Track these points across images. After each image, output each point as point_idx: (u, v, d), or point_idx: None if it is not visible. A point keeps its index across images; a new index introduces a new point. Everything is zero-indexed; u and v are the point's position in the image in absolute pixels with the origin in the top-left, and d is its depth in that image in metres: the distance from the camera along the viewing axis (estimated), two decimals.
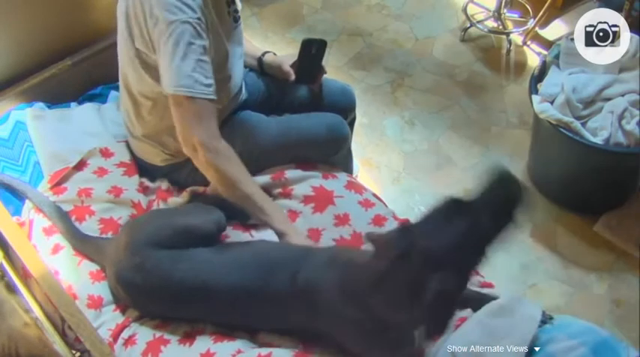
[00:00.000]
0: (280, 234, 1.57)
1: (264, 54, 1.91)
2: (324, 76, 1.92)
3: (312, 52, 1.81)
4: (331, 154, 1.82)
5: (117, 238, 1.55)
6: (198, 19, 1.46)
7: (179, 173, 1.78)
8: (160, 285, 1.44)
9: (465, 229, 1.14)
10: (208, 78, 1.48)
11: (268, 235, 1.61)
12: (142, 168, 1.81)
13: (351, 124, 2.04)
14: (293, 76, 1.84)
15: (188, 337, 1.46)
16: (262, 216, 1.58)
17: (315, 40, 1.81)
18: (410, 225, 1.25)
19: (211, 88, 1.49)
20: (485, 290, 1.52)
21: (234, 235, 1.63)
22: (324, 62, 1.86)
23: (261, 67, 1.92)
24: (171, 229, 1.49)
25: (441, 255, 1.14)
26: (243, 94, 1.83)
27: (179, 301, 1.46)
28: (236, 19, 1.70)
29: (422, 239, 1.16)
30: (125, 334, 1.48)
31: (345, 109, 1.94)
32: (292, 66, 1.84)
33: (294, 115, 1.84)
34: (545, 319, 1.42)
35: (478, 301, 1.45)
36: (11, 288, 1.55)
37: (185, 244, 1.46)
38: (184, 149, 1.54)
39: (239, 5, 1.72)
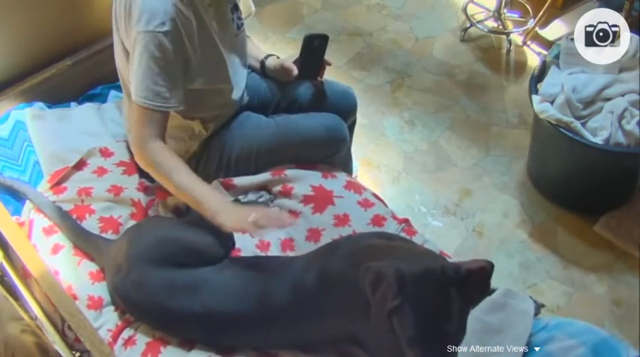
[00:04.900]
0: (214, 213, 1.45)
1: (266, 57, 1.91)
2: (326, 77, 1.92)
3: (313, 46, 1.81)
4: (330, 154, 1.81)
5: (118, 244, 1.52)
6: (167, 32, 1.44)
7: None
8: (157, 309, 1.42)
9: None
10: (171, 90, 1.49)
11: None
12: (142, 169, 1.81)
13: (352, 126, 2.03)
14: (295, 72, 1.83)
15: (189, 341, 1.46)
16: (196, 205, 1.47)
17: (316, 34, 1.82)
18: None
19: (172, 101, 1.50)
20: None
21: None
22: (325, 58, 1.86)
23: (263, 71, 1.92)
24: (177, 246, 1.47)
25: None
26: (245, 98, 1.83)
27: (174, 326, 1.45)
28: (239, 27, 1.69)
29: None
30: (125, 335, 1.48)
31: (346, 111, 1.92)
32: (295, 62, 1.84)
33: (292, 115, 1.84)
34: (537, 307, 1.43)
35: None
36: (10, 292, 1.55)
37: (189, 263, 1.44)
38: (132, 149, 1.56)
39: (242, 12, 1.72)
